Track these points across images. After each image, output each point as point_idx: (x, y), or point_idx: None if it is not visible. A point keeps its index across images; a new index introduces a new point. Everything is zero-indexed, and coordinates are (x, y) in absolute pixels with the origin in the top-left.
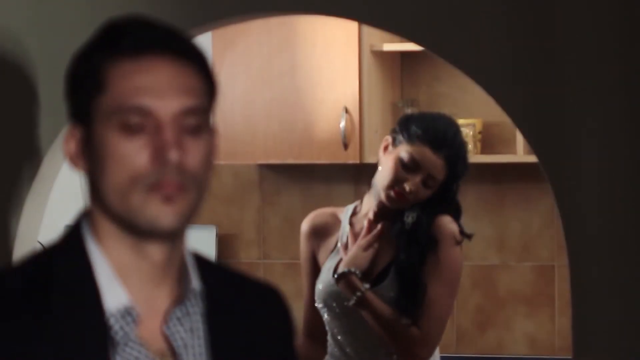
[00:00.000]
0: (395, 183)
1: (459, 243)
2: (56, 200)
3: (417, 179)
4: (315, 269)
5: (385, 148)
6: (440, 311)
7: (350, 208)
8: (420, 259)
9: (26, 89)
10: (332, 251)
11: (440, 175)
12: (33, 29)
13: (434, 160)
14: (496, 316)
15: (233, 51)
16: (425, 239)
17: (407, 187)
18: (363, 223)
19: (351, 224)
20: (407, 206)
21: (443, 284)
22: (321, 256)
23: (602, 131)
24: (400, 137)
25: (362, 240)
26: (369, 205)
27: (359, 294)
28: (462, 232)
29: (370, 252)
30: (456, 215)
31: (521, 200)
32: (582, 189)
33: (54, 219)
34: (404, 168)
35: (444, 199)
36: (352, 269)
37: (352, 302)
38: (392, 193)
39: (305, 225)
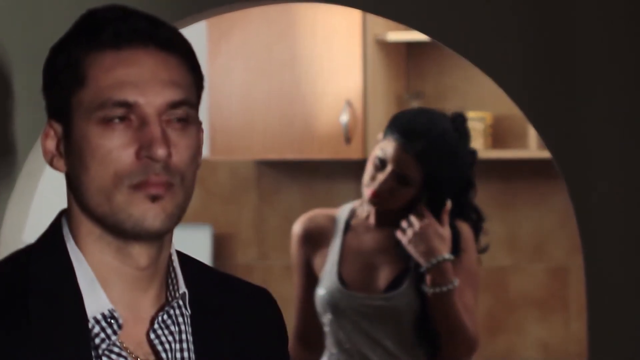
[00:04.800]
0: (369, 182)
1: (479, 251)
2: (43, 200)
3: (385, 175)
4: (309, 275)
5: (374, 147)
6: (475, 315)
7: (346, 208)
8: None
9: (4, 84)
10: (329, 256)
11: (411, 171)
12: (9, 19)
13: (400, 156)
14: (507, 320)
15: (229, 41)
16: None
17: (377, 184)
18: (363, 227)
19: (350, 227)
20: (392, 206)
21: (473, 288)
22: (317, 262)
23: (620, 125)
24: (385, 132)
25: (435, 227)
26: (367, 207)
27: (455, 282)
28: (479, 248)
29: (446, 231)
30: (475, 224)
31: (534, 198)
32: (598, 185)
33: (41, 221)
34: (376, 166)
35: (456, 203)
36: (447, 256)
37: (439, 290)
38: (367, 194)
39: (298, 229)
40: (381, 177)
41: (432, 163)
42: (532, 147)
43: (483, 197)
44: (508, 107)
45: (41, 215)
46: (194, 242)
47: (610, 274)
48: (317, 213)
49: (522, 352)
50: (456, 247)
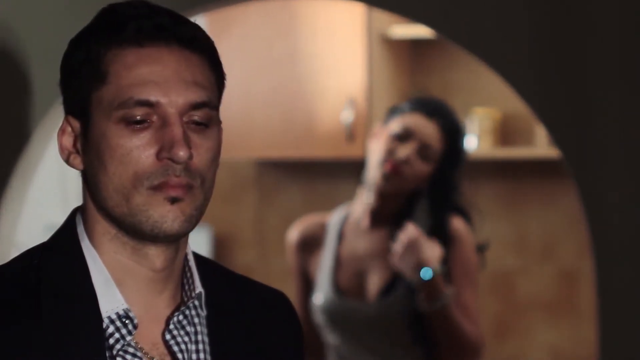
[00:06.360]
0: (388, 156)
1: (479, 250)
2: (35, 197)
3: (411, 147)
4: (307, 281)
5: (376, 135)
6: (476, 313)
7: (339, 213)
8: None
9: (8, 78)
10: (322, 263)
11: (436, 143)
12: (22, 9)
13: (428, 126)
14: (516, 324)
15: (229, 37)
16: (445, 242)
17: (400, 154)
18: (356, 232)
19: (343, 233)
20: (404, 185)
21: (471, 284)
22: (312, 268)
23: (632, 123)
24: (389, 117)
25: (423, 240)
26: (360, 210)
27: (449, 293)
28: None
29: (435, 245)
30: (465, 217)
31: (543, 198)
32: (609, 185)
33: (34, 218)
34: (397, 140)
35: (446, 195)
36: (437, 268)
37: (439, 306)
38: (386, 167)
39: (292, 237)
40: (405, 147)
41: (453, 136)
42: (541, 145)
43: (490, 197)
44: (514, 103)
45: (36, 215)
46: (193, 242)
47: (620, 277)
48: (310, 220)
49: (531, 356)
50: (447, 238)
